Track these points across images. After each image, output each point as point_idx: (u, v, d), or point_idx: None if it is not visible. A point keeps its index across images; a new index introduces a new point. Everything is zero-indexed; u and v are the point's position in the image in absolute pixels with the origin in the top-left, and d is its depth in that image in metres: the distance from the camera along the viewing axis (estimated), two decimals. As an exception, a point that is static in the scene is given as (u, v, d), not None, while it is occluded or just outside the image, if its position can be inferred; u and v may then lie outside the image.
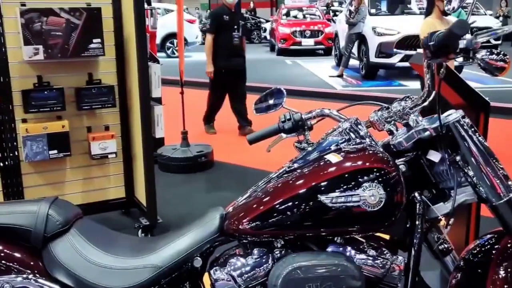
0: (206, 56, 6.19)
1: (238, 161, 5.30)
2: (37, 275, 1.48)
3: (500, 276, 1.65)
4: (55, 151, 3.27)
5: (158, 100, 3.76)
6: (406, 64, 7.37)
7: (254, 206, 1.56)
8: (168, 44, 15.36)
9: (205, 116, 6.58)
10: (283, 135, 1.91)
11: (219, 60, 6.13)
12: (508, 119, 6.80)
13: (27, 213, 1.51)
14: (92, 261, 1.50)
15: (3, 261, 1.46)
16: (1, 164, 3.19)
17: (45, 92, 3.17)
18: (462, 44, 1.48)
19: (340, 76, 11.09)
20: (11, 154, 3.20)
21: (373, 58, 10.28)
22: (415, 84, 8.64)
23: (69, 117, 3.35)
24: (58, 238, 1.52)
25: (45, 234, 1.50)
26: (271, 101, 1.97)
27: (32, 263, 1.49)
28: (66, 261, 1.49)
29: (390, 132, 1.76)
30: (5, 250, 1.48)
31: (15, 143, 3.19)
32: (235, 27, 6.13)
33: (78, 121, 3.43)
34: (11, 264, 1.47)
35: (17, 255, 1.49)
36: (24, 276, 1.46)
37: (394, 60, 9.95)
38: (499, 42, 11.48)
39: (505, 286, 1.62)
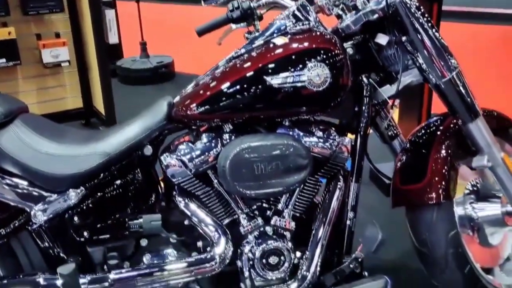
0: None
1: (199, 71, 5.22)
2: (-17, 166, 1.47)
3: (441, 154, 1.73)
4: (3, 60, 3.16)
5: (109, 4, 3.60)
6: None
7: (202, 91, 1.55)
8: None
9: None
10: (233, 25, 1.86)
11: None
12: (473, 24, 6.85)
13: None
14: (39, 150, 1.49)
15: None
16: None
17: (-15, -5, 3.00)
18: None
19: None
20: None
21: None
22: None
23: (15, 24, 3.20)
24: (2, 129, 1.50)
25: None
26: None
27: (-24, 155, 1.48)
28: (12, 151, 1.48)
29: (339, 16, 1.74)
30: None
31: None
32: None
33: (25, 27, 3.29)
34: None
35: None
36: (-31, 167, 1.45)
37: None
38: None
39: (446, 167, 1.70)
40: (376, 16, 1.63)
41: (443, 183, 1.68)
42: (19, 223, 1.50)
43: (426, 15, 1.63)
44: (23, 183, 1.49)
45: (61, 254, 1.54)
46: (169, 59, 5.18)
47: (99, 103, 3.59)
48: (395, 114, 1.96)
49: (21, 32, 3.24)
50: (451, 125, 1.78)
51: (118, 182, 1.59)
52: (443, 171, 1.70)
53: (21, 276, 1.49)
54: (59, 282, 1.44)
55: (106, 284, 1.49)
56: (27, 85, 3.42)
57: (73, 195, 1.51)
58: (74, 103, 3.66)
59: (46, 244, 1.53)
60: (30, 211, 1.49)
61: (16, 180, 1.49)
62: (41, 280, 1.45)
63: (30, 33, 3.31)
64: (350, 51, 1.66)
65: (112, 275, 1.50)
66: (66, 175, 1.49)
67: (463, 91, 1.66)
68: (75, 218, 1.55)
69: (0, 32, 3.09)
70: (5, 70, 3.26)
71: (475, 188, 1.86)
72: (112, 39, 3.37)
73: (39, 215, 1.49)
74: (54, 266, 1.53)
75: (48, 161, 1.49)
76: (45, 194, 1.50)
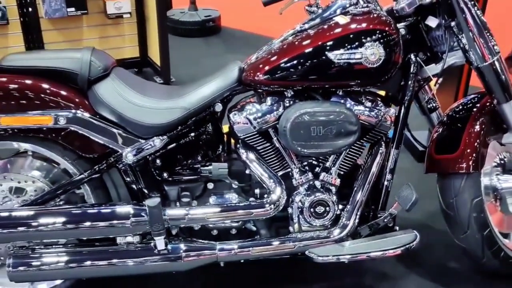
0: None
1: (245, 27, 5.39)
2: (85, 111, 1.74)
3: (475, 129, 1.94)
4: (73, 9, 3.41)
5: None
6: None
7: (270, 60, 1.77)
8: None
9: None
10: (296, -2, 2.05)
11: None
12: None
13: (72, 58, 1.73)
14: (131, 101, 1.76)
15: (57, 98, 1.71)
16: (22, 20, 3.35)
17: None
18: None
19: None
20: (30, 10, 3.33)
21: None
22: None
23: (84, -25, 3.42)
24: (101, 81, 1.76)
25: (90, 77, 1.74)
26: None
27: (80, 101, 1.74)
28: (110, 101, 1.74)
29: (395, -2, 1.92)
30: (57, 90, 1.72)
31: (34, 0, 3.31)
32: None
33: (93, -21, 3.52)
34: (62, 101, 1.72)
35: (68, 94, 1.73)
36: (73, 111, 1.72)
37: None
38: None
39: (478, 141, 1.91)
40: (429, 0, 1.80)
41: (474, 155, 1.90)
42: (111, 162, 1.78)
43: (476, 3, 1.81)
44: (118, 128, 1.76)
45: (143, 190, 1.83)
46: (217, 13, 5.35)
47: (154, 54, 3.84)
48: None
49: (89, -16, 3.47)
50: (487, 104, 1.98)
51: (193, 133, 1.86)
52: (475, 144, 1.91)
53: (112, 204, 1.79)
54: (145, 212, 1.73)
55: (181, 217, 1.77)
56: (91, 33, 3.68)
57: (157, 142, 1.78)
58: (131, 52, 3.91)
59: (132, 180, 1.82)
60: (122, 152, 1.77)
61: (112, 125, 1.75)
62: (130, 209, 1.74)
63: (97, -15, 3.54)
64: (402, 31, 1.85)
65: (186, 211, 1.78)
66: (153, 125, 1.76)
67: (501, 74, 1.85)
68: (157, 161, 1.84)
69: (71, -18, 3.33)
70: (73, 18, 3.52)
71: (502, 162, 2.07)
72: (171, -5, 3.59)
73: (129, 156, 1.77)
74: (136, 199, 1.84)
75: (139, 111, 1.75)
76: (134, 139, 1.77)
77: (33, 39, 3.42)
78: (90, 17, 3.60)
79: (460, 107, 2.05)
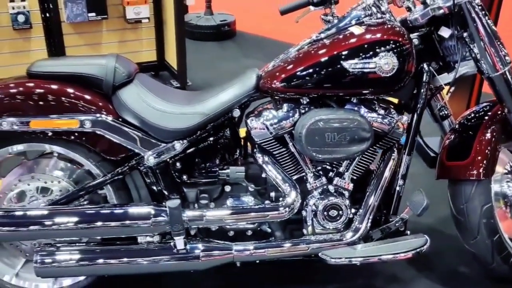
0: None
1: (259, 31, 5.46)
2: (109, 115, 1.82)
3: (486, 137, 1.99)
4: (94, 14, 3.51)
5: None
6: None
7: (286, 69, 1.84)
8: None
9: None
10: (312, 7, 2.10)
11: None
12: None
13: (98, 65, 1.81)
14: (153, 107, 1.83)
15: (83, 103, 1.79)
16: (44, 24, 3.46)
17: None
18: None
19: None
20: (52, 14, 3.44)
21: None
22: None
23: (105, -19, 3.52)
24: (125, 87, 1.84)
25: (114, 83, 1.81)
26: None
27: (105, 106, 1.82)
28: (133, 106, 1.82)
29: (408, 9, 1.98)
30: (83, 95, 1.80)
31: (56, 5, 3.41)
32: None
33: (113, -15, 3.61)
34: (88, 105, 1.80)
35: (93, 99, 1.81)
36: (98, 115, 1.80)
37: None
38: None
39: (489, 148, 1.96)
40: (442, 11, 1.86)
41: (485, 162, 1.94)
42: (133, 164, 1.86)
43: (487, 14, 1.86)
44: (140, 132, 1.83)
45: (163, 191, 1.90)
46: (232, 18, 5.42)
47: (171, 58, 3.92)
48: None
49: (109, -11, 3.57)
50: (498, 112, 2.03)
51: (211, 138, 1.93)
52: (486, 152, 1.95)
53: (133, 205, 1.86)
54: (165, 213, 1.80)
55: (199, 218, 1.84)
56: (110, 37, 3.77)
57: (178, 146, 1.85)
58: (148, 56, 4.00)
59: (153, 182, 1.89)
60: (143, 155, 1.84)
61: (135, 129, 1.82)
62: (151, 210, 1.81)
63: (117, -10, 3.63)
64: (415, 41, 1.90)
65: (204, 212, 1.85)
66: (174, 129, 1.83)
67: (512, 84, 1.89)
68: (177, 164, 1.91)
69: (93, -12, 3.43)
70: (93, 23, 3.61)
71: (512, 169, 2.12)
72: (190, 0, 3.67)
73: (150, 159, 1.84)
74: (156, 200, 1.92)
75: (161, 117, 1.82)
76: (156, 142, 1.84)
77: (55, 43, 3.52)
78: (110, 22, 3.70)
79: (472, 115, 2.10)
